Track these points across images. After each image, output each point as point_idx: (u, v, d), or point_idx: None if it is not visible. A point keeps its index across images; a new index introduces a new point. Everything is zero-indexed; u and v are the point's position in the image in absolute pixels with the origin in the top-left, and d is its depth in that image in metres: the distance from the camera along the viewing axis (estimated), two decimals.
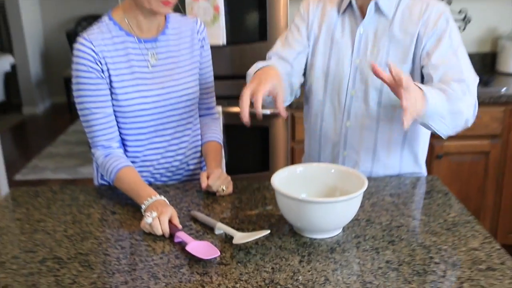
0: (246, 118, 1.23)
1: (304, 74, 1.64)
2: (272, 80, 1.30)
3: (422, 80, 1.49)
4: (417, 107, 1.23)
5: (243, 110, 1.24)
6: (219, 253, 1.16)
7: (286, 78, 1.55)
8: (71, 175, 4.27)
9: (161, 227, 1.26)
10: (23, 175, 4.31)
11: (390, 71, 1.20)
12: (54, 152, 4.86)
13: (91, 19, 6.29)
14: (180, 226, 1.28)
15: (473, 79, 1.44)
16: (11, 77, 6.07)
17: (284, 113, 1.29)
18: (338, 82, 1.57)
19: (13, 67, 5.97)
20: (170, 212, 1.29)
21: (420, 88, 1.27)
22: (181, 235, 1.23)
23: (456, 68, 1.42)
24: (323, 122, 1.63)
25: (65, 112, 6.08)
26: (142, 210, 1.34)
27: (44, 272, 1.13)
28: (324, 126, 1.63)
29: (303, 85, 1.67)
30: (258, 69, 1.42)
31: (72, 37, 5.58)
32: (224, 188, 1.48)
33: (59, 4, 6.33)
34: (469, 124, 1.43)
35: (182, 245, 1.21)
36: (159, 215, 1.27)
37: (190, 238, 1.22)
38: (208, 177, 1.49)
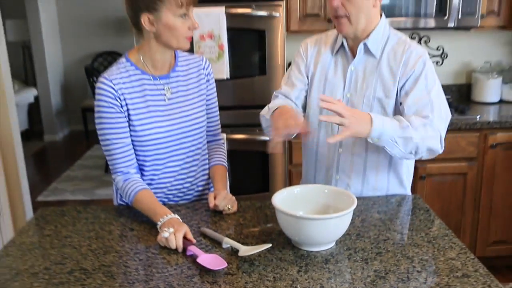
0: (278, 149, 1.37)
1: (304, 107, 1.68)
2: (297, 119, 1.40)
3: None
4: (359, 128, 1.33)
5: (276, 146, 1.38)
6: (226, 265, 1.18)
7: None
8: (88, 197, 4.26)
9: (175, 242, 1.29)
10: (44, 196, 4.30)
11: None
12: (72, 175, 4.85)
13: (106, 55, 6.37)
14: (194, 241, 1.31)
15: (440, 116, 1.46)
16: (34, 107, 6.06)
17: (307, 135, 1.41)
18: (331, 113, 1.60)
19: (36, 98, 5.98)
20: (185, 229, 1.32)
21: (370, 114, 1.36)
22: (193, 249, 1.26)
23: (427, 107, 1.45)
24: (318, 148, 1.65)
25: (82, 139, 6.06)
26: (158, 227, 1.37)
27: (72, 281, 1.16)
28: (319, 152, 1.65)
29: None
30: (274, 110, 1.49)
31: (89, 71, 5.65)
32: (229, 207, 1.50)
33: (78, 42, 6.40)
34: (438, 152, 1.47)
35: (193, 258, 1.24)
36: (175, 232, 1.30)
37: (201, 251, 1.25)
38: (215, 197, 1.51)
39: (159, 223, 1.38)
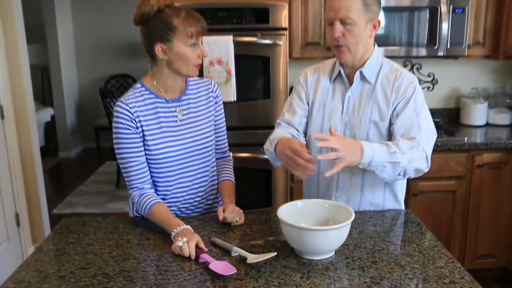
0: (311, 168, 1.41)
1: (306, 132, 1.72)
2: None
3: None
4: (352, 158, 1.37)
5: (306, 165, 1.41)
6: (235, 271, 1.23)
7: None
8: (100, 210, 4.28)
9: (189, 250, 1.34)
10: (59, 209, 4.33)
11: (330, 131, 1.39)
12: (85, 190, 4.87)
13: (118, 78, 6.44)
14: (205, 249, 1.35)
15: (427, 136, 1.51)
16: (50, 126, 6.10)
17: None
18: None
19: (53, 117, 6.02)
20: (196, 238, 1.37)
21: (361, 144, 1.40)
22: (205, 257, 1.30)
23: (415, 128, 1.50)
24: (319, 168, 1.67)
25: (95, 156, 6.06)
26: (172, 237, 1.41)
27: (96, 284, 1.20)
28: (321, 172, 1.67)
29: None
30: (277, 141, 1.54)
31: (103, 93, 5.75)
32: (237, 219, 1.54)
33: (92, 66, 6.46)
34: (425, 171, 1.52)
35: (205, 265, 1.28)
36: (188, 241, 1.34)
37: (212, 258, 1.29)
38: (224, 211, 1.55)
39: (173, 233, 1.42)
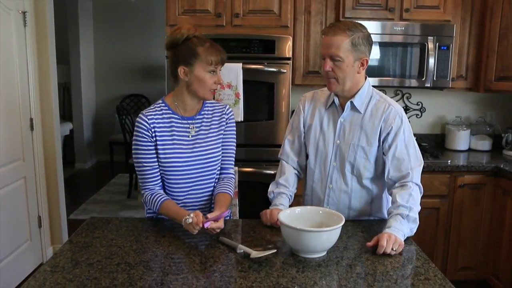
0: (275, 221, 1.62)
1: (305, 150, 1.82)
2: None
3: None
4: (400, 239, 1.45)
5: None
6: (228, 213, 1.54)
7: (296, 179, 1.84)
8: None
9: (196, 220, 1.49)
10: (75, 215, 4.42)
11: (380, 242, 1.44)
12: (99, 199, 4.96)
13: (133, 97, 6.60)
14: (208, 217, 1.53)
15: (417, 167, 1.61)
16: (68, 139, 6.23)
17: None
18: (324, 156, 1.73)
19: (71, 131, 6.14)
20: (201, 214, 1.53)
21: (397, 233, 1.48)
22: (207, 223, 1.50)
23: (406, 161, 1.61)
24: (313, 184, 1.79)
25: (108, 168, 6.14)
26: (183, 223, 1.54)
27: (120, 271, 1.30)
28: (314, 187, 1.79)
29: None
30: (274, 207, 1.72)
31: (119, 110, 5.90)
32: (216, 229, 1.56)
33: (109, 86, 6.60)
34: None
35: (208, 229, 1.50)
36: (195, 215, 1.51)
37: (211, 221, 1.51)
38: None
39: (183, 220, 1.54)
